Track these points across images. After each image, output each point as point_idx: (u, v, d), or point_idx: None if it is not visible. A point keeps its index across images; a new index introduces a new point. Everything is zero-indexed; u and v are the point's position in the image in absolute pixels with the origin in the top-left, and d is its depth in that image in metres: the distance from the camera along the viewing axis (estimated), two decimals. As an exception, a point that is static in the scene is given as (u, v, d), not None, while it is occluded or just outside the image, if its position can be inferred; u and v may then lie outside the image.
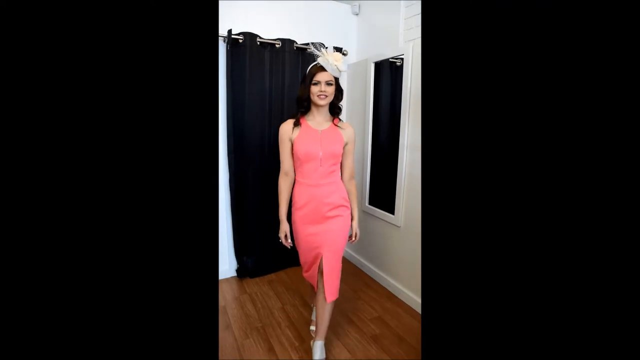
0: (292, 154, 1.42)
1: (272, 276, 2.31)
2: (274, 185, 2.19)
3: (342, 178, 1.51)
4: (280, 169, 1.48)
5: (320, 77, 1.33)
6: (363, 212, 2.37)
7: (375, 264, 2.31)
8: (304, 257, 1.51)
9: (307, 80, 1.36)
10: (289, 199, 1.49)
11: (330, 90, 1.35)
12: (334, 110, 1.45)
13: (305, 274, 1.56)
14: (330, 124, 1.43)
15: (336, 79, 1.37)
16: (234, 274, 2.31)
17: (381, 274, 2.24)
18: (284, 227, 1.49)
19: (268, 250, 2.30)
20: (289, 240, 1.50)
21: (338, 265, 1.45)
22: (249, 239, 2.23)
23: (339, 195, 1.45)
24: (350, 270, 2.44)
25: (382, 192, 2.22)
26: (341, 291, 2.12)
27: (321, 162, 1.39)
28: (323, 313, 1.47)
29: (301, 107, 1.42)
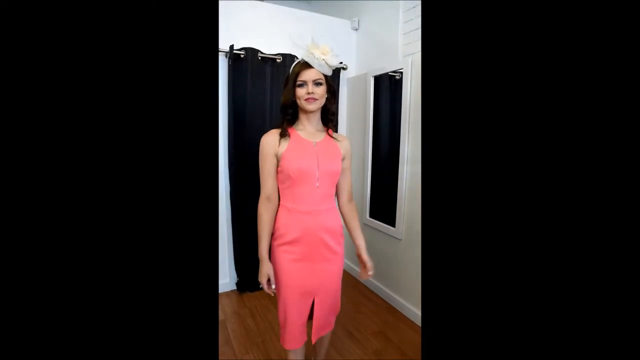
0: (277, 172, 1.12)
1: (273, 290, 2.28)
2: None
3: (338, 201, 1.22)
4: (261, 192, 1.13)
5: (306, 75, 1.05)
6: (364, 225, 2.36)
7: (376, 277, 2.29)
8: (288, 306, 1.13)
9: (290, 81, 1.08)
10: (271, 231, 1.14)
11: (320, 91, 1.06)
12: (327, 117, 1.16)
13: (285, 332, 1.16)
14: (324, 134, 1.15)
15: (326, 78, 1.08)
16: (234, 287, 2.29)
17: (382, 287, 2.22)
18: (265, 268, 1.10)
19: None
20: (273, 286, 1.12)
21: (337, 307, 1.26)
22: (250, 252, 2.22)
23: (338, 224, 1.17)
24: (350, 283, 2.42)
25: (382, 204, 2.22)
26: (341, 304, 2.10)
27: (319, 183, 1.09)
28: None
29: (286, 115, 1.13)
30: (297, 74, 1.06)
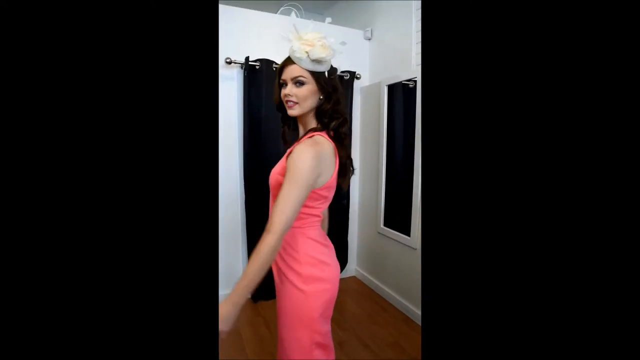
0: None
1: (287, 298, 2.28)
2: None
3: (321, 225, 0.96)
4: None
5: (286, 73, 0.86)
6: (378, 234, 2.34)
7: (391, 287, 2.27)
8: None
9: (276, 80, 0.90)
10: None
11: (302, 92, 0.84)
12: (322, 120, 0.89)
13: None
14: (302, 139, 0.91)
15: (317, 75, 0.86)
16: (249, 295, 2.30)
17: (397, 297, 2.19)
18: None
19: (282, 272, 2.30)
20: None
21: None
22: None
23: (286, 253, 0.90)
24: (365, 293, 2.39)
25: (397, 213, 2.20)
26: (355, 315, 2.09)
27: (271, 197, 0.91)
28: None
29: (286, 120, 0.96)
30: (279, 72, 0.87)
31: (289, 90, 0.85)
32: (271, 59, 2.09)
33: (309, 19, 2.28)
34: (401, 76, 2.05)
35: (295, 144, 0.88)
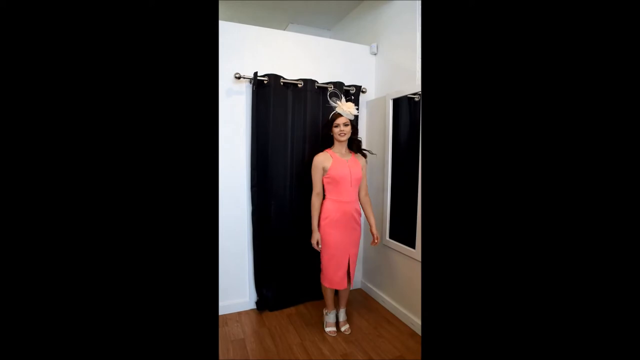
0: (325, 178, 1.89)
1: (292, 310, 2.28)
2: (294, 218, 2.23)
3: (359, 195, 1.99)
4: (313, 190, 1.91)
5: (340, 120, 1.86)
6: (383, 246, 2.34)
7: (396, 300, 2.25)
8: (334, 260, 1.91)
9: (330, 123, 1.91)
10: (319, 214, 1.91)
11: (348, 129, 1.87)
12: (352, 144, 1.97)
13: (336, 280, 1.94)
14: (351, 155, 1.95)
15: (352, 121, 1.90)
16: (254, 306, 2.31)
17: (402, 310, 2.18)
18: (316, 235, 1.91)
19: (288, 283, 2.30)
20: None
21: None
22: (269, 271, 2.24)
23: (360, 208, 2.00)
24: (370, 306, 2.38)
25: (402, 226, 2.21)
26: (361, 327, 2.08)
27: (351, 184, 1.90)
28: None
29: (325, 144, 1.97)
30: (334, 119, 1.87)
31: (342, 128, 1.86)
32: (279, 73, 2.15)
33: (315, 35, 2.35)
34: (406, 90, 2.08)
35: (353, 156, 1.96)
